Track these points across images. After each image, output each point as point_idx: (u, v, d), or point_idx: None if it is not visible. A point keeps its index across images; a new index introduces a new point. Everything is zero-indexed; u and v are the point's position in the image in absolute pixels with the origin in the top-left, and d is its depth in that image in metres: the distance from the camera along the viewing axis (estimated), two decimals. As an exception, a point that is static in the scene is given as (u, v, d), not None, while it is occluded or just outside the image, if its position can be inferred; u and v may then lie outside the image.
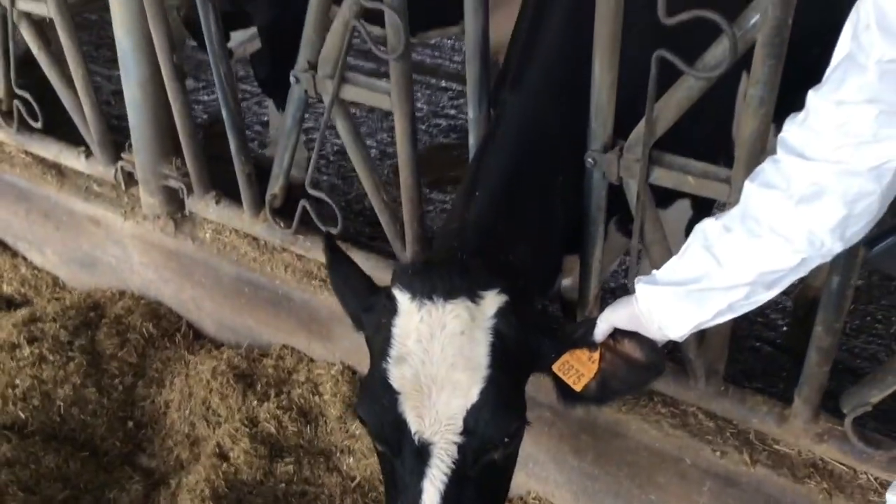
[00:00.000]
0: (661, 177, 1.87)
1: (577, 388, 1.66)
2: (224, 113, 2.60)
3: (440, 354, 1.55)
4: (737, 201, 1.44)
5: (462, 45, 3.90)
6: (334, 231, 2.51)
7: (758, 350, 2.87)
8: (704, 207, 2.18)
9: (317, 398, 2.59)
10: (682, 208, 2.21)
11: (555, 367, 1.67)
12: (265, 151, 3.96)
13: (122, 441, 2.65)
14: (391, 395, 1.54)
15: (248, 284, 2.77)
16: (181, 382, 2.73)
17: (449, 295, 1.57)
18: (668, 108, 1.80)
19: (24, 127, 3.18)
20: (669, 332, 1.53)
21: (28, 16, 2.90)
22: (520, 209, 1.83)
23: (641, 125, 1.83)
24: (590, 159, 1.91)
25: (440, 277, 1.58)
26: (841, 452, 2.01)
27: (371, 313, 1.68)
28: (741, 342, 2.84)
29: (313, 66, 2.26)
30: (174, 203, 2.91)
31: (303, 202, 2.53)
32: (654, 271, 1.54)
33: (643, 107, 1.78)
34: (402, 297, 1.58)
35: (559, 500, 2.41)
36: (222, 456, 2.43)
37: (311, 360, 2.72)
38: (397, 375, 1.55)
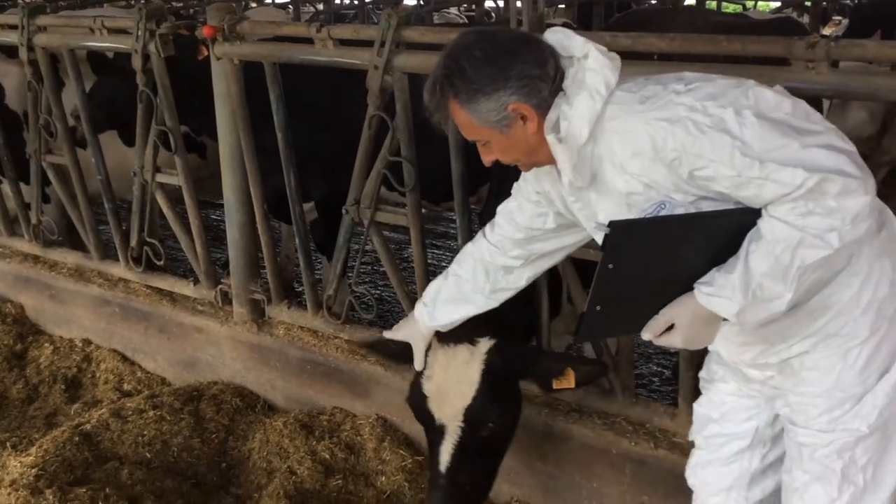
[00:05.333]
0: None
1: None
2: (298, 242, 3.81)
3: (451, 374, 2.65)
4: None
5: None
6: (370, 317, 3.66)
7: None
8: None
9: (359, 437, 3.57)
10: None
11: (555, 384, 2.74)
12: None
13: (217, 476, 3.63)
14: (424, 397, 2.66)
15: (310, 363, 3.85)
16: (261, 436, 3.73)
17: (458, 341, 2.67)
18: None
19: (146, 266, 4.43)
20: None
21: (162, 185, 4.21)
22: None
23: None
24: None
25: (454, 331, 2.66)
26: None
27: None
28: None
29: (357, 202, 3.48)
30: (257, 311, 4.06)
31: (349, 298, 3.68)
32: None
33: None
34: (435, 342, 2.70)
35: (533, 500, 3.31)
36: (292, 472, 3.41)
37: (355, 416, 3.73)
38: (427, 386, 2.67)
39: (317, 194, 4.56)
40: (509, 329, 2.77)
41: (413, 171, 3.22)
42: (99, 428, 3.68)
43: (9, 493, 3.17)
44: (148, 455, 3.60)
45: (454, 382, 2.64)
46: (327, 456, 3.49)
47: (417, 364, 2.69)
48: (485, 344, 2.68)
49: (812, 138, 1.76)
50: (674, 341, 1.93)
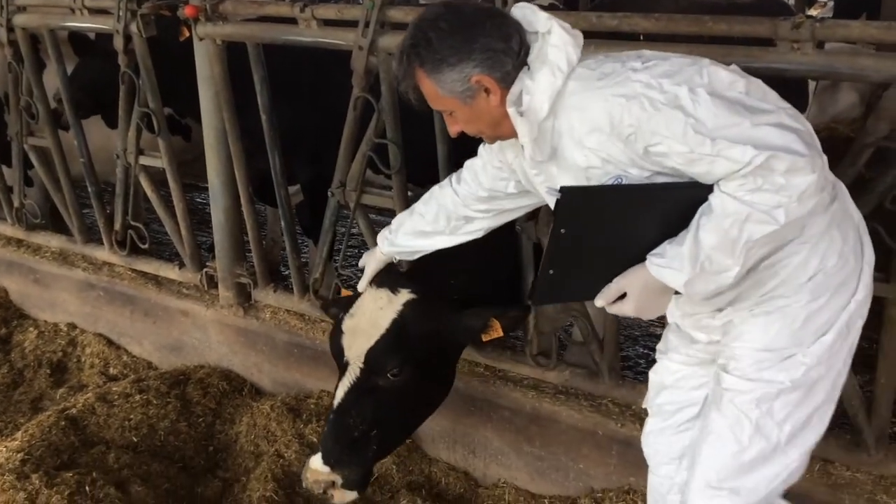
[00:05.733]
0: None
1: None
2: (283, 225, 3.79)
3: (366, 316, 2.70)
4: None
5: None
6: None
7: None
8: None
9: (347, 420, 3.58)
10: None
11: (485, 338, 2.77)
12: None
13: (204, 460, 3.63)
14: (341, 332, 2.73)
15: (297, 347, 3.84)
16: (248, 419, 3.73)
17: (381, 287, 2.74)
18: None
19: (131, 250, 4.39)
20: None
21: (145, 168, 4.17)
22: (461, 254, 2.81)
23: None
24: (518, 227, 3.04)
25: (384, 278, 2.75)
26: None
27: None
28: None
29: (343, 184, 3.46)
30: (243, 294, 4.04)
31: (336, 281, 3.66)
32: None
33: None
34: (371, 285, 2.76)
35: (520, 481, 3.32)
36: (279, 455, 3.41)
37: (342, 399, 3.72)
38: (346, 322, 2.74)
39: (302, 177, 4.53)
40: (438, 291, 2.79)
41: (399, 153, 3.20)
42: (85, 412, 3.66)
43: (-5, 478, 3.16)
44: (134, 439, 3.59)
45: (366, 324, 2.70)
46: (315, 439, 3.48)
47: (361, 285, 2.78)
48: (404, 296, 2.73)
49: (763, 117, 1.80)
50: (626, 310, 2.00)
